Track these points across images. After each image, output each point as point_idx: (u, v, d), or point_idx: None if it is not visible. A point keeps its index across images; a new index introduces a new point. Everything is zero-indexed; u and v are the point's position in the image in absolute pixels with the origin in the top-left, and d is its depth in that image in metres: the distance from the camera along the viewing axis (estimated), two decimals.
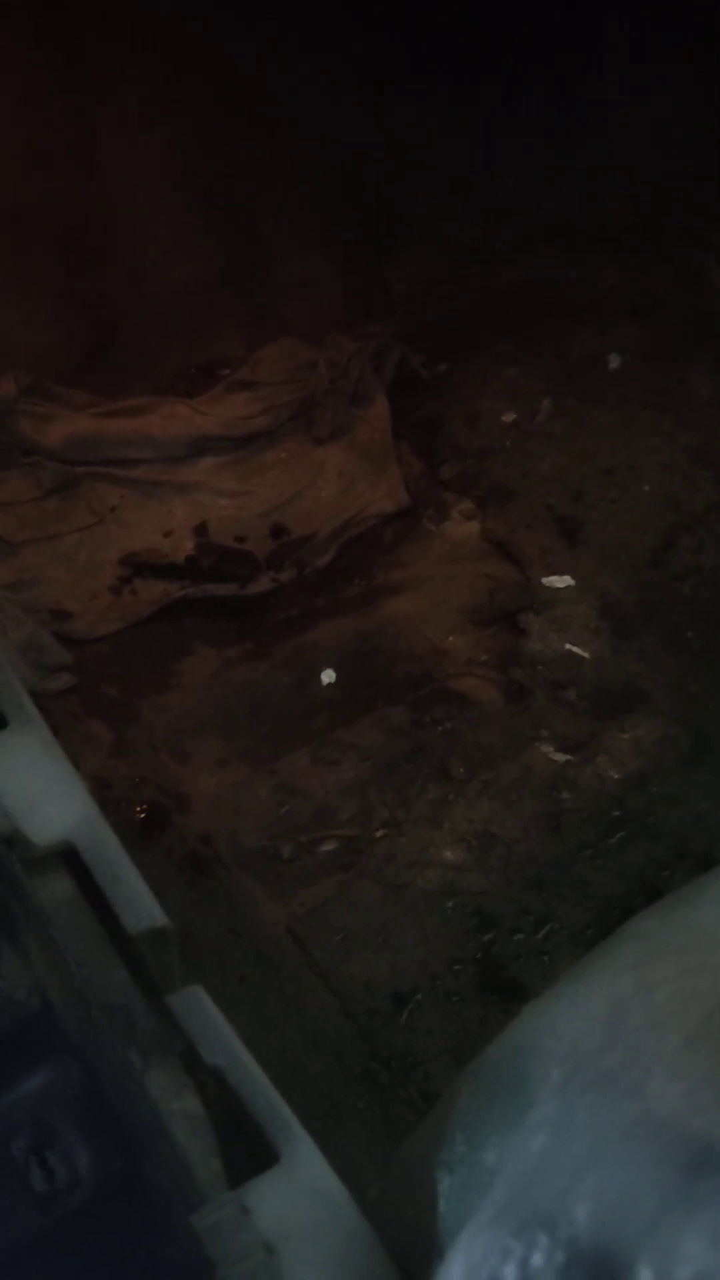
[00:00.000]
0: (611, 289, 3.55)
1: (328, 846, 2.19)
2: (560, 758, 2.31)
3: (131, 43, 3.12)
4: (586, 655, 2.53)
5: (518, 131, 3.59)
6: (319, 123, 3.36)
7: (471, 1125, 0.94)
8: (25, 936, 1.27)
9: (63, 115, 3.13)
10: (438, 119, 3.48)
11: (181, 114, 3.24)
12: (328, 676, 2.54)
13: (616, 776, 2.26)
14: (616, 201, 3.66)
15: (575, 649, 2.53)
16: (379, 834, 2.20)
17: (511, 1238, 0.69)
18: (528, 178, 3.67)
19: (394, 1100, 1.80)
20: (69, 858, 1.24)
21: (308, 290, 3.50)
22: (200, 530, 2.87)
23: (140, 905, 1.16)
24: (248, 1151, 1.05)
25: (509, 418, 3.20)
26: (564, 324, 3.48)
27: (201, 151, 3.33)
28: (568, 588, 2.68)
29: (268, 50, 3.22)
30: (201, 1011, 1.12)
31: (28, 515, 2.81)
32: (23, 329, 3.11)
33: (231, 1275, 0.93)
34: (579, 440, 3.11)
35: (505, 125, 3.56)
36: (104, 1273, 1.04)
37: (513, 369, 3.36)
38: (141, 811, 2.23)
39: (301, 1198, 1.00)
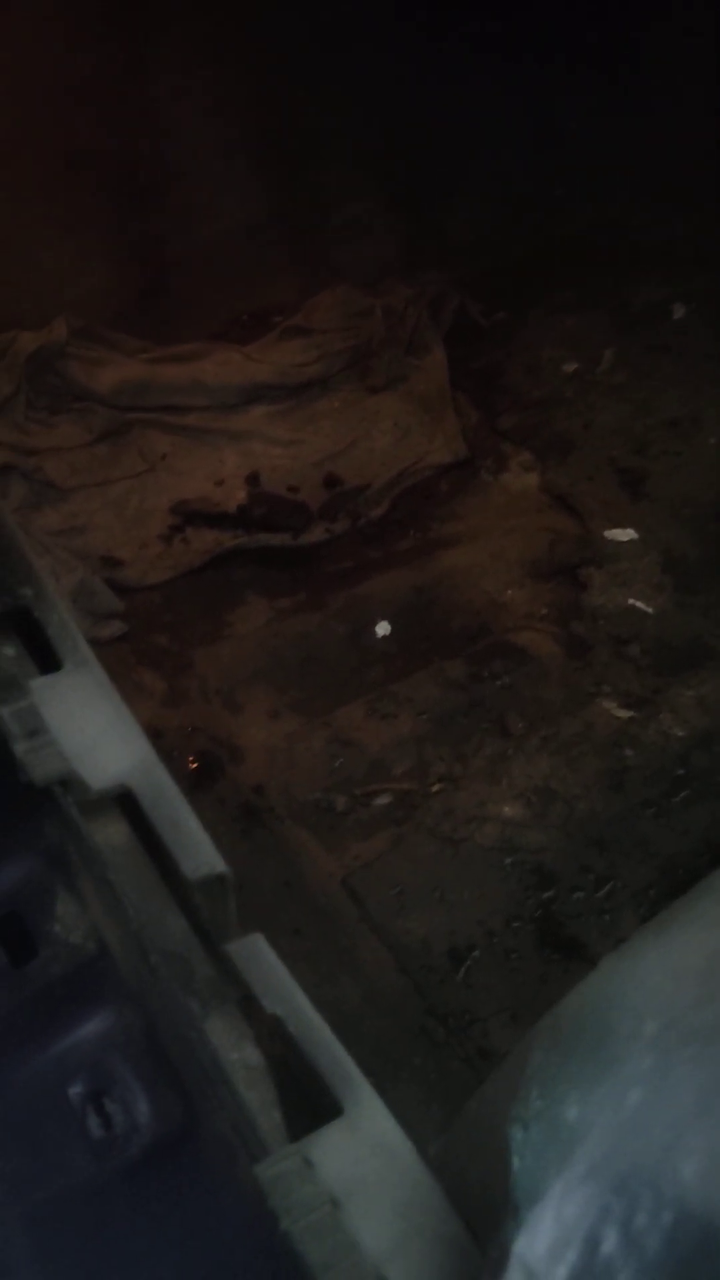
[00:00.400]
0: (677, 236, 3.44)
1: (383, 800, 2.14)
2: (623, 714, 2.25)
3: None
4: (650, 610, 2.46)
5: (581, 73, 3.48)
6: (377, 63, 3.27)
7: (548, 1080, 0.90)
8: (82, 881, 1.24)
9: (115, 54, 3.06)
10: (499, 60, 3.38)
11: (236, 53, 3.17)
12: (382, 629, 2.49)
13: (681, 734, 2.20)
14: (684, 145, 3.54)
15: (638, 604, 2.46)
16: (435, 788, 2.15)
17: (611, 1195, 0.65)
18: (591, 121, 3.56)
19: (450, 1057, 1.76)
20: (125, 802, 1.21)
21: (363, 236, 3.43)
22: (252, 479, 2.82)
23: (199, 851, 1.13)
24: (309, 1103, 1.02)
25: (570, 367, 3.12)
26: (627, 272, 3.39)
27: (256, 92, 3.26)
28: (630, 541, 2.61)
29: None
30: (261, 960, 1.08)
31: (78, 461, 2.77)
32: (73, 271, 3.06)
33: (296, 1228, 0.89)
34: (642, 391, 3.03)
35: (569, 66, 3.46)
36: (163, 1222, 1.02)
37: (574, 318, 3.28)
38: (194, 762, 2.20)
39: (366, 1151, 0.97)
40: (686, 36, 3.52)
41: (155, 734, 2.20)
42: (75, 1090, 1.09)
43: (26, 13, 2.91)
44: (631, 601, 2.47)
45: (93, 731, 1.25)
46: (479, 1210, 0.92)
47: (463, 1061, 1.75)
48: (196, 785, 2.14)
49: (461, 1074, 1.72)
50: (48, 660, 1.33)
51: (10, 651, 1.36)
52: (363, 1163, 0.96)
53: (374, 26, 3.24)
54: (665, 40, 3.53)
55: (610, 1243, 0.63)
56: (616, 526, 2.65)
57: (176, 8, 3.08)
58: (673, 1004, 0.78)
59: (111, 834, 1.22)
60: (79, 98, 3.04)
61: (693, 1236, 0.61)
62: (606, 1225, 0.64)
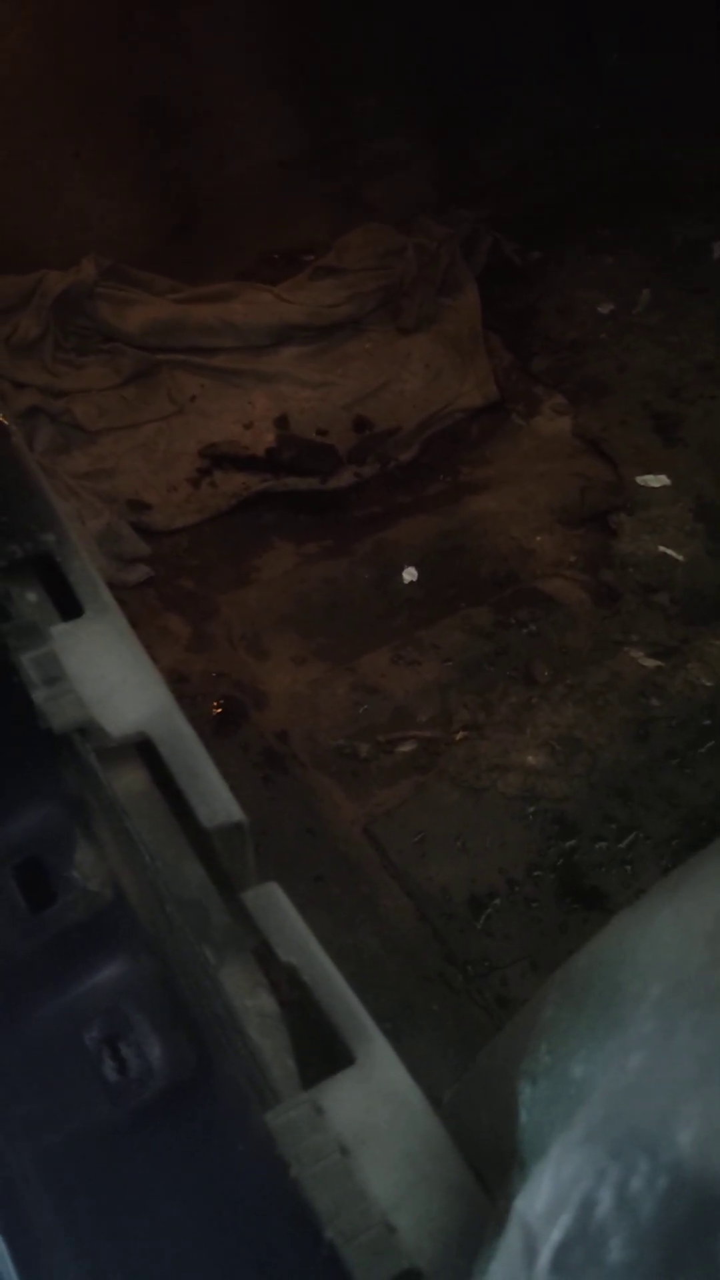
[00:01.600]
0: (717, 174, 3.35)
1: (406, 747, 2.14)
2: (650, 663, 2.23)
3: None
4: (681, 558, 2.43)
5: (619, 5, 3.38)
6: None
7: (558, 1036, 0.90)
8: (100, 828, 1.25)
9: None
10: None
11: None
12: (409, 575, 2.47)
13: (709, 684, 2.18)
14: None
15: (669, 551, 2.43)
16: (459, 736, 2.15)
17: (608, 1158, 0.65)
18: (633, 53, 3.47)
19: (469, 1004, 1.78)
20: (144, 749, 1.21)
21: (395, 171, 3.37)
22: (281, 422, 2.79)
23: (216, 800, 1.13)
24: (321, 1051, 1.03)
25: (605, 308, 3.06)
26: (666, 210, 3.32)
27: (287, 26, 3.20)
28: (663, 487, 2.57)
29: None
30: (276, 909, 1.09)
31: (106, 403, 2.75)
32: (102, 209, 3.04)
33: (305, 1175, 0.90)
34: (679, 333, 2.97)
35: None
36: (175, 1166, 1.03)
37: (610, 257, 3.22)
38: (218, 707, 2.20)
39: (377, 1100, 0.98)
40: None
41: (180, 679, 2.21)
42: (91, 1035, 1.10)
43: None
44: (662, 549, 2.44)
45: (112, 679, 1.25)
46: (489, 1160, 0.93)
47: (481, 1009, 1.76)
48: (220, 730, 2.14)
49: (479, 1021, 1.73)
50: (69, 606, 1.33)
51: (32, 598, 1.36)
52: (373, 1111, 0.97)
53: None
54: None
55: (605, 1206, 0.63)
56: (649, 472, 2.61)
57: None
58: (680, 966, 0.77)
59: (130, 782, 1.22)
60: (108, 31, 3.00)
61: (686, 1202, 0.60)
62: (602, 1188, 0.64)
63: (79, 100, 3.00)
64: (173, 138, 3.14)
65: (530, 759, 2.09)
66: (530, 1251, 0.66)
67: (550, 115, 3.50)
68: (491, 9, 3.32)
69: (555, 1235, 0.63)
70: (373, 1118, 0.97)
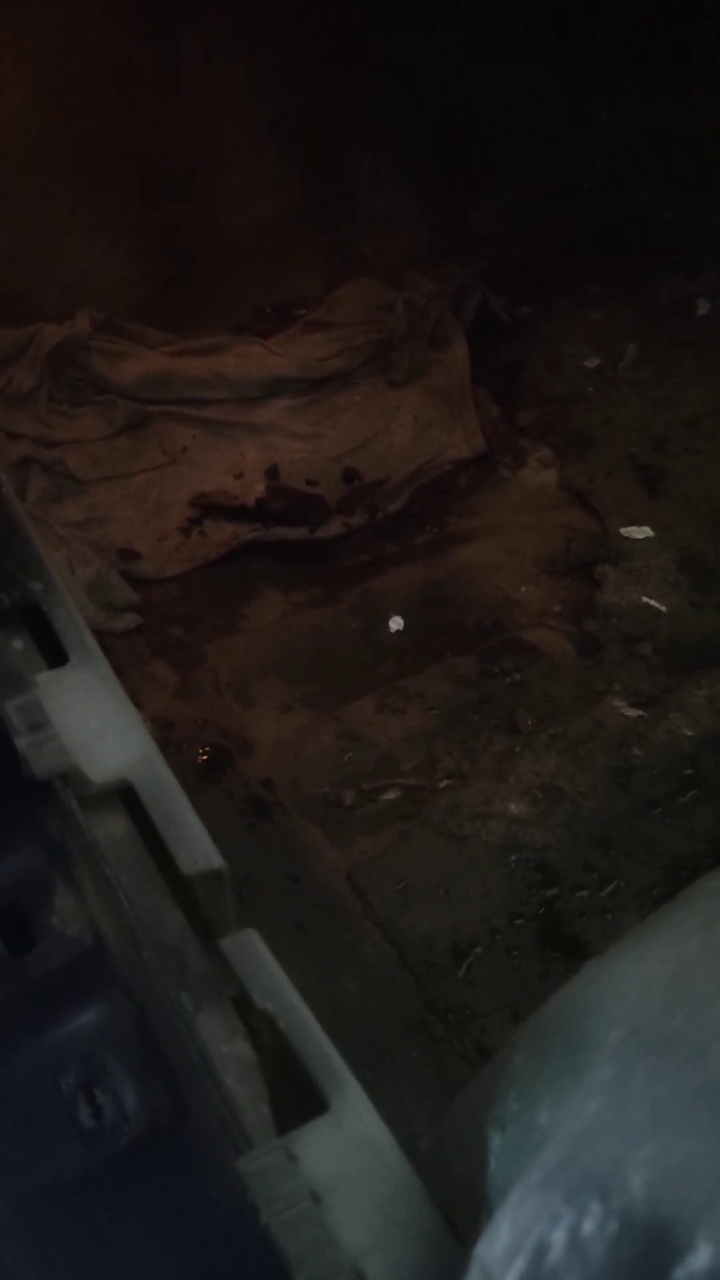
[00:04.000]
0: (703, 231, 3.41)
1: (390, 795, 2.16)
2: (632, 713, 2.25)
3: None
4: (664, 609, 2.46)
5: (614, 63, 3.45)
6: (405, 52, 3.28)
7: (525, 1083, 0.91)
8: (80, 874, 1.26)
9: (147, 39, 3.07)
10: (528, 47, 3.36)
11: (266, 42, 3.17)
12: (396, 624, 2.50)
13: (690, 734, 2.20)
14: (713, 133, 3.51)
15: (652, 602, 2.46)
16: (443, 784, 2.17)
17: (562, 1203, 0.66)
18: (623, 111, 3.54)
19: (449, 1052, 1.78)
20: (126, 796, 1.23)
21: (388, 227, 3.43)
22: (271, 473, 2.83)
23: (196, 846, 1.14)
24: (297, 1098, 1.04)
25: (592, 363, 3.11)
26: (653, 266, 3.37)
27: (285, 81, 3.26)
28: (647, 539, 2.60)
29: None
30: (254, 955, 1.10)
31: (99, 453, 2.79)
32: (98, 262, 3.09)
33: (276, 1222, 0.91)
34: (664, 387, 3.01)
35: (599, 51, 3.43)
36: (147, 1212, 1.04)
37: (597, 312, 3.27)
38: (203, 754, 2.22)
39: (350, 1147, 0.99)
40: None
41: (166, 726, 2.23)
42: (67, 1080, 1.11)
43: (59, 4, 2.93)
44: (645, 600, 2.47)
45: (95, 726, 1.26)
46: (463, 1209, 0.94)
47: (461, 1057, 1.76)
48: (205, 778, 2.16)
49: (459, 1070, 1.73)
50: (55, 654, 1.35)
51: (18, 645, 1.39)
52: (346, 1159, 0.97)
53: (404, 15, 3.23)
54: (701, 31, 3.50)
55: (557, 1250, 0.64)
56: (633, 524, 2.64)
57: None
58: (638, 1013, 0.79)
59: (111, 828, 1.24)
60: (107, 87, 3.06)
61: (635, 1246, 0.62)
62: (555, 1232, 0.65)
63: (78, 156, 3.06)
64: (169, 193, 3.19)
65: (513, 807, 2.10)
66: None
67: (541, 172, 3.56)
68: (484, 68, 3.39)
69: (510, 1278, 0.65)
70: (345, 1165, 0.98)
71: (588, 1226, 0.64)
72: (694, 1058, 0.74)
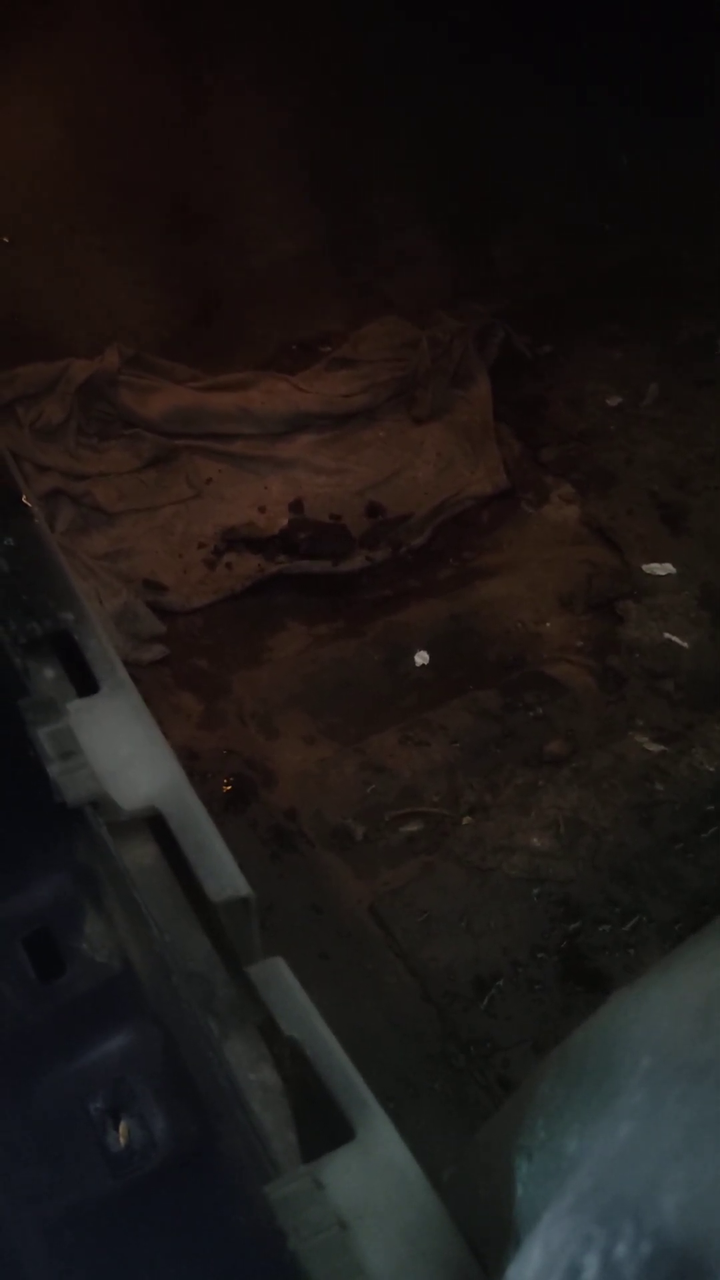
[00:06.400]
0: None
1: (413, 827, 2.17)
2: (654, 748, 2.26)
3: (243, 13, 3.12)
4: (686, 645, 2.47)
5: (634, 107, 3.50)
6: (428, 95, 3.33)
7: (554, 1111, 0.92)
8: (109, 900, 1.28)
9: (174, 85, 3.15)
10: (549, 91, 3.41)
11: (291, 85, 3.24)
12: (421, 658, 2.52)
13: (712, 770, 2.21)
14: None
15: (674, 638, 2.47)
16: (465, 817, 2.17)
17: (595, 1225, 0.67)
18: (643, 154, 3.58)
19: (470, 1084, 1.78)
20: (155, 823, 1.24)
21: (412, 266, 3.47)
22: (296, 506, 2.86)
23: (223, 874, 1.16)
24: (323, 1126, 1.04)
25: (614, 401, 3.14)
26: (674, 306, 3.39)
27: (310, 123, 3.33)
28: (669, 575, 2.62)
29: (377, 21, 3.20)
30: (281, 983, 1.11)
31: (126, 486, 2.82)
32: (128, 299, 3.14)
33: (303, 1248, 0.92)
34: (685, 425, 3.04)
35: (619, 98, 3.48)
36: (174, 1237, 1.04)
37: (619, 351, 3.30)
38: (227, 784, 2.23)
39: (376, 1175, 0.99)
40: None
41: (191, 756, 2.24)
42: (95, 1105, 1.12)
43: (89, 48, 3.01)
44: (667, 636, 2.48)
45: (125, 754, 1.28)
46: (489, 1237, 0.94)
47: (482, 1089, 1.76)
48: (230, 808, 2.17)
49: (480, 1101, 1.73)
50: (86, 683, 1.37)
51: (50, 674, 1.41)
52: (372, 1186, 0.98)
53: (427, 58, 3.30)
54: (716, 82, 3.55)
55: (590, 1272, 0.65)
56: (655, 560, 2.66)
57: (236, 38, 3.16)
58: (669, 1040, 0.79)
59: (140, 855, 1.25)
60: (136, 130, 3.13)
61: (668, 1268, 0.62)
62: (588, 1254, 0.66)
63: (107, 195, 3.13)
64: (197, 232, 3.25)
65: (535, 841, 2.11)
66: None
67: (562, 213, 3.60)
68: (505, 113, 3.44)
69: None
70: (372, 1193, 0.98)
71: (621, 1249, 0.64)
72: None
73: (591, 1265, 0.65)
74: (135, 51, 3.05)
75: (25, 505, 1.66)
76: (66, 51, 2.96)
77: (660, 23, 3.35)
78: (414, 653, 2.51)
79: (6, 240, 2.99)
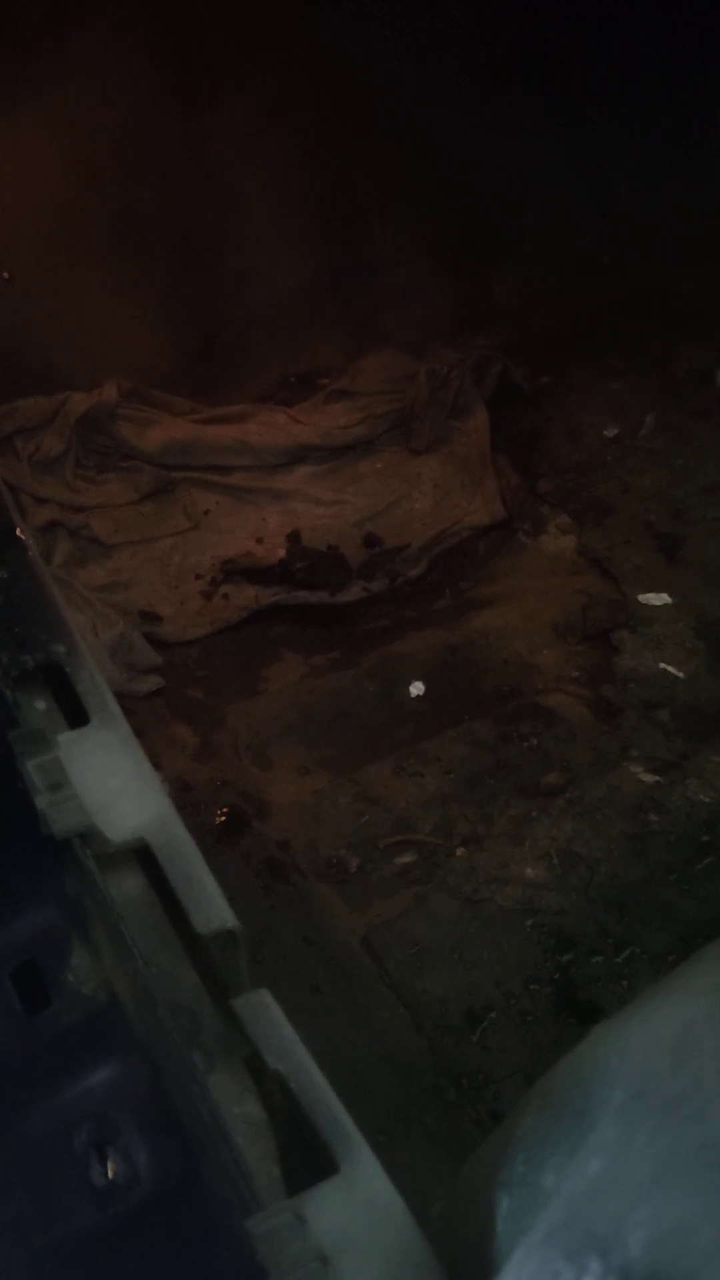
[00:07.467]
0: None
1: (406, 858, 2.17)
2: (649, 778, 2.26)
3: (244, 52, 3.16)
4: (681, 675, 2.47)
5: (634, 139, 3.54)
6: (427, 129, 3.37)
7: (533, 1146, 0.92)
8: (96, 932, 1.28)
9: (176, 122, 3.19)
10: (548, 125, 3.45)
11: (292, 120, 3.28)
12: (416, 688, 2.52)
13: (706, 800, 2.20)
14: None
15: (670, 668, 2.48)
16: (458, 848, 2.17)
17: (562, 1260, 0.67)
18: (640, 186, 3.62)
19: (462, 1117, 1.77)
20: (143, 855, 1.24)
21: (411, 299, 3.50)
22: (293, 537, 2.88)
23: (211, 906, 1.16)
24: (307, 1160, 1.04)
25: (611, 432, 3.16)
26: (672, 338, 3.42)
27: (310, 158, 3.36)
28: (664, 605, 2.62)
29: (378, 57, 3.24)
30: (267, 1016, 1.11)
31: (124, 518, 2.85)
32: (128, 333, 3.17)
33: None
34: (682, 457, 3.05)
35: (618, 132, 3.52)
36: (157, 1271, 1.04)
37: (617, 383, 3.32)
38: (222, 815, 2.24)
39: (359, 1210, 0.99)
40: None
41: (185, 788, 2.25)
42: (80, 1138, 1.11)
43: (93, 87, 3.05)
44: (663, 666, 2.49)
45: (114, 786, 1.29)
46: (472, 1274, 0.94)
47: (474, 1123, 1.76)
48: (223, 839, 2.17)
49: (472, 1135, 1.72)
50: (77, 715, 1.38)
51: (40, 706, 1.42)
52: (355, 1221, 0.98)
53: (427, 93, 3.33)
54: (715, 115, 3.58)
55: None
56: (651, 590, 2.67)
57: (238, 74, 3.19)
58: (643, 1074, 0.80)
59: (127, 887, 1.26)
60: (137, 166, 3.17)
61: None
62: None
63: (109, 231, 3.16)
64: (196, 265, 3.28)
65: (529, 871, 2.11)
66: None
67: (562, 245, 3.63)
68: (504, 145, 3.47)
69: None
70: (354, 1227, 0.98)
71: None
72: (695, 1117, 0.75)
73: None
74: (138, 90, 3.08)
75: (19, 538, 1.68)
76: (71, 91, 3.00)
77: (658, 57, 3.39)
78: (410, 683, 2.52)
79: (7, 276, 3.01)
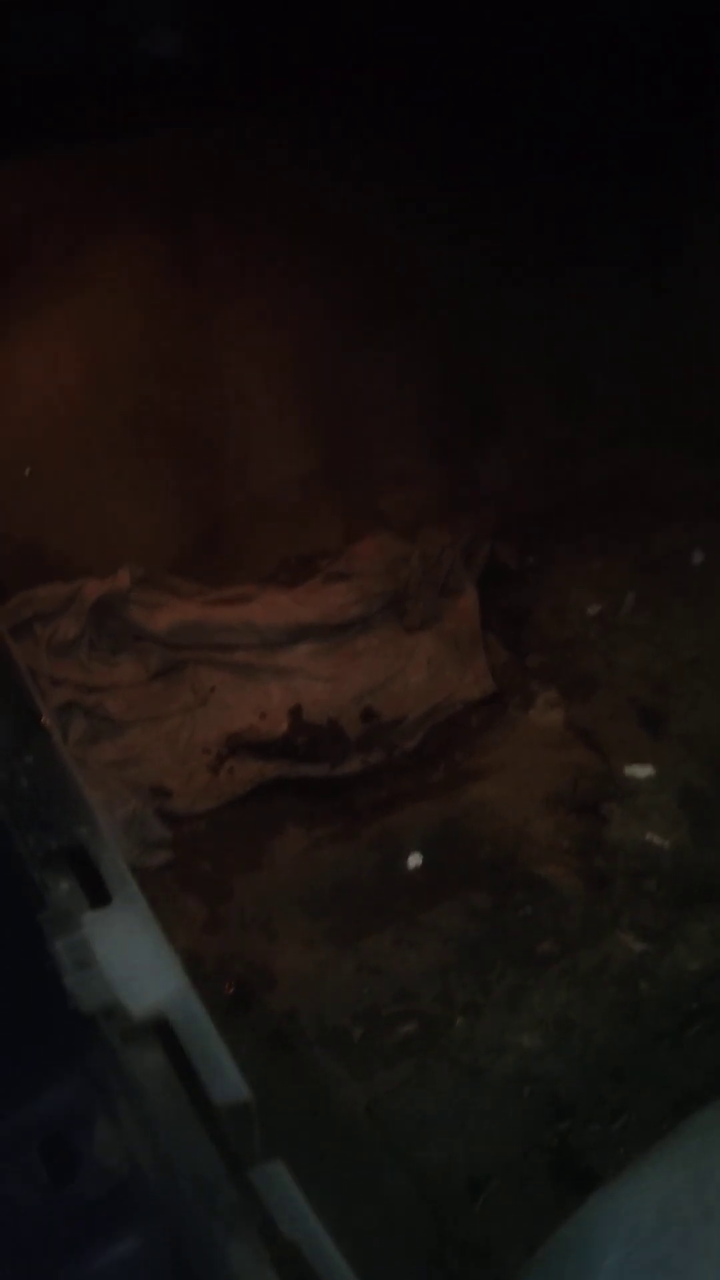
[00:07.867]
0: (695, 486, 3.67)
1: (408, 1028, 2.24)
2: (639, 946, 2.34)
3: (245, 264, 3.44)
4: (666, 845, 2.57)
5: (608, 332, 3.80)
6: (420, 326, 3.61)
7: None
8: (119, 1105, 1.36)
9: (185, 328, 3.44)
10: (532, 320, 3.68)
11: (288, 326, 3.53)
12: (414, 860, 2.62)
13: (694, 968, 2.29)
14: (699, 398, 3.82)
15: (655, 838, 2.58)
16: (458, 1017, 2.24)
17: None
18: (615, 377, 3.86)
19: None
20: (162, 1029, 1.32)
21: (403, 484, 3.69)
22: (295, 712, 3.01)
23: (226, 1078, 1.23)
24: None
25: (594, 610, 3.32)
26: (649, 519, 3.60)
27: (308, 357, 3.60)
28: (649, 777, 2.74)
29: (371, 266, 3.50)
30: (281, 1186, 1.17)
31: (135, 697, 2.98)
32: (138, 522, 3.36)
33: None
34: (662, 632, 3.21)
35: (596, 325, 3.78)
36: None
37: (599, 562, 3.49)
38: (230, 987, 2.31)
39: None
40: (705, 297, 3.84)
41: (195, 960, 2.33)
42: None
43: (108, 300, 3.32)
44: (649, 836, 2.59)
45: (136, 964, 1.38)
46: None
47: None
48: (231, 1011, 2.25)
49: None
50: (98, 894, 1.48)
51: (65, 886, 1.51)
52: None
53: (419, 293, 3.59)
54: (685, 300, 3.84)
55: None
56: (636, 762, 2.79)
57: (235, 290, 3.47)
58: (632, 1237, 0.89)
59: (148, 1061, 1.33)
60: (149, 369, 3.41)
61: None
62: None
63: (122, 427, 3.39)
64: (203, 457, 3.50)
65: (525, 1040, 2.18)
66: None
67: (543, 433, 3.85)
68: (492, 339, 3.70)
69: None
70: None
71: None
72: (679, 1273, 0.84)
73: None
74: (149, 303, 3.35)
75: (45, 727, 1.80)
76: (88, 306, 3.26)
77: (632, 257, 3.68)
78: (408, 855, 2.62)
79: (28, 472, 3.22)
